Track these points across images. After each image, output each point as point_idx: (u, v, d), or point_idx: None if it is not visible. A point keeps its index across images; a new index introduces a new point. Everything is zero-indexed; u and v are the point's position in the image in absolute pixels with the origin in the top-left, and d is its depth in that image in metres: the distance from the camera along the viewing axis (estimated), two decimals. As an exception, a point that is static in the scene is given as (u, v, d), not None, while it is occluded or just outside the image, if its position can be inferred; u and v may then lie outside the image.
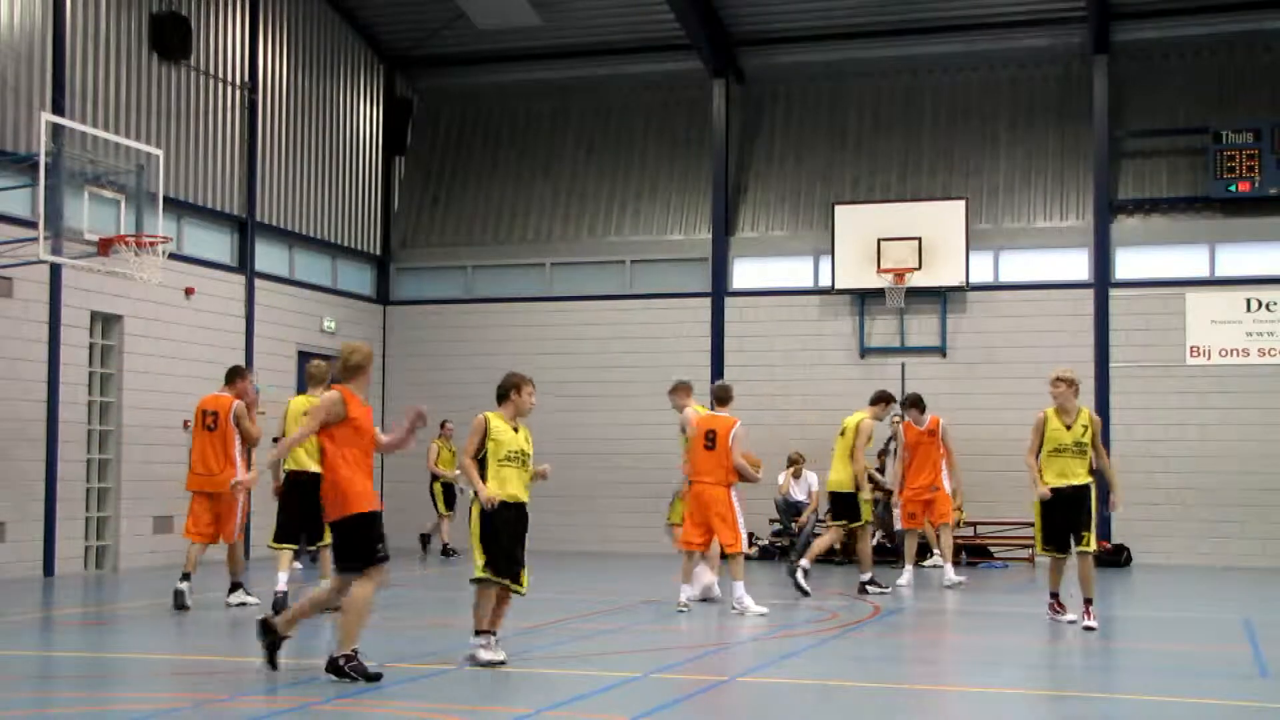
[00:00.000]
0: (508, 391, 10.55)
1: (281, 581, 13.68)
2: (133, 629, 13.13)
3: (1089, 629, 12.66)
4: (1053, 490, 12.83)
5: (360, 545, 9.60)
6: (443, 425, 21.75)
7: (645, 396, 22.34)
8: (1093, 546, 12.86)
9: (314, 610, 9.95)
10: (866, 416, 16.27)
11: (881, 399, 16.75)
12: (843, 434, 16.35)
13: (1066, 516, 12.86)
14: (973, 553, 21.36)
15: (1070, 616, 13.05)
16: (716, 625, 13.19)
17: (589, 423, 23.46)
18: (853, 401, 22.47)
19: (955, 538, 21.37)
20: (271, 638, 9.76)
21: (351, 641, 9.49)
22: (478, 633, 10.26)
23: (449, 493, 21.81)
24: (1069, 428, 12.83)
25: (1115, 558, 20.93)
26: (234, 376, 14.60)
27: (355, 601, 9.53)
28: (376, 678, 9.42)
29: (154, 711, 8.59)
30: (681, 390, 15.41)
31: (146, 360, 19.42)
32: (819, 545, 16.43)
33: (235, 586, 14.29)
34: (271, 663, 9.76)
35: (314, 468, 13.65)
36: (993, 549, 21.52)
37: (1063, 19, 23.00)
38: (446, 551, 21.73)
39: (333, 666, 9.51)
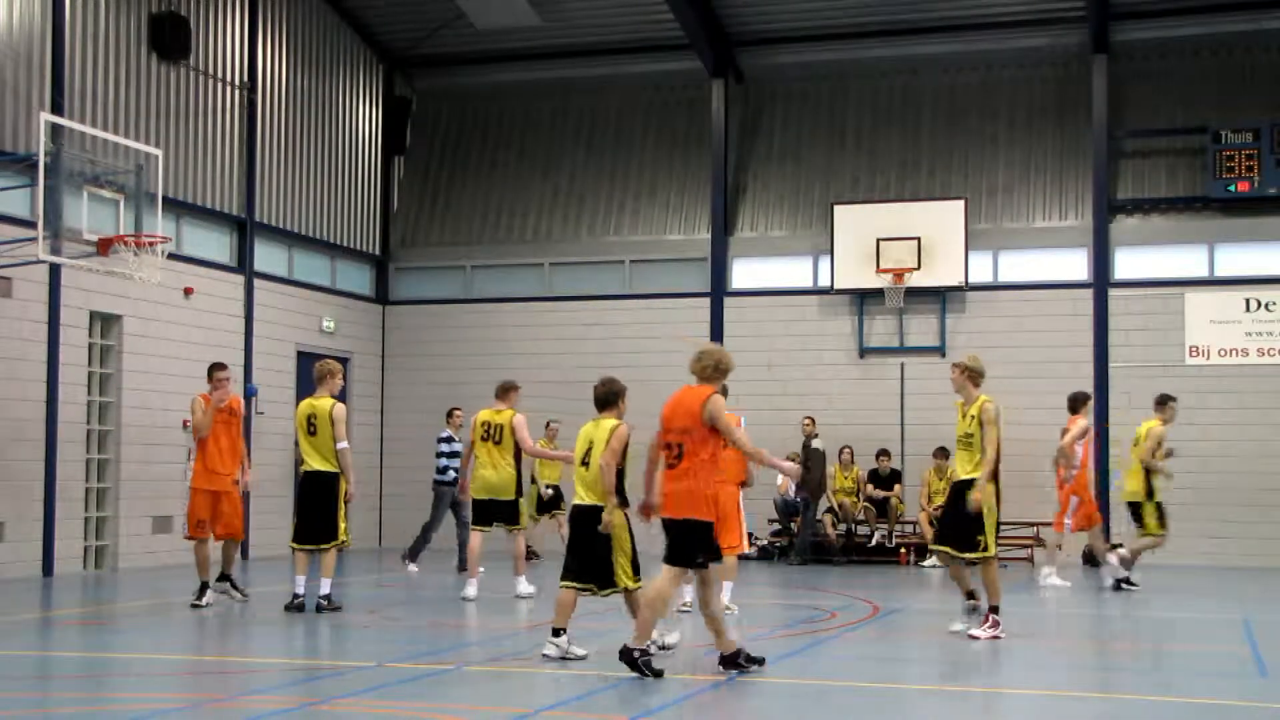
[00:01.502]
0: (618, 398, 10.63)
1: (299, 584, 13.69)
2: (132, 629, 13.11)
3: (971, 636, 11.82)
4: (950, 485, 12.29)
5: (697, 547, 9.79)
6: (547, 426, 20.87)
7: (644, 397, 22.27)
8: (986, 552, 11.69)
9: (663, 608, 9.95)
10: (1157, 423, 16.57)
11: (1167, 400, 16.98)
12: (1136, 444, 16.72)
13: (950, 515, 12.09)
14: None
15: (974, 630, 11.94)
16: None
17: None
18: (852, 401, 22.60)
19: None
20: (644, 655, 9.69)
21: (648, 635, 9.76)
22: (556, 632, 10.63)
23: (557, 495, 20.62)
24: (963, 418, 12.09)
25: (1115, 558, 20.92)
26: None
27: (657, 597, 9.74)
28: (659, 674, 9.67)
29: (154, 711, 8.58)
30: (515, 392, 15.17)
31: (145, 360, 19.41)
32: (1139, 548, 16.79)
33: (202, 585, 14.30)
34: (655, 672, 9.68)
35: (324, 467, 13.68)
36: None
37: (1062, 19, 23.00)
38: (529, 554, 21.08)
39: (626, 657, 9.67)
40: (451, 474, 18.49)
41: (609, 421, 10.47)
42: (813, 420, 21.26)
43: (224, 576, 14.62)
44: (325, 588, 13.68)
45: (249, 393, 21.13)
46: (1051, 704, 9.46)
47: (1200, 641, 12.74)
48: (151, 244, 16.80)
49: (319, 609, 13.59)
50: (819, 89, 24.46)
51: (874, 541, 21.50)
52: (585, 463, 10.46)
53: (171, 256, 18.21)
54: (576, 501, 10.57)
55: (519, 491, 14.96)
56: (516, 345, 23.93)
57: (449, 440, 18.94)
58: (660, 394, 23.53)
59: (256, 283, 21.74)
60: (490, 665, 10.60)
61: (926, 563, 20.51)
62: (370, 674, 9.99)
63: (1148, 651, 12.26)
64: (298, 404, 14.50)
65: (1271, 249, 21.72)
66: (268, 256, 22.32)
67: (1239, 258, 21.90)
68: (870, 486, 21.76)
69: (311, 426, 13.73)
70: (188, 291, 20.15)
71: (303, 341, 22.71)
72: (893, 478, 21.88)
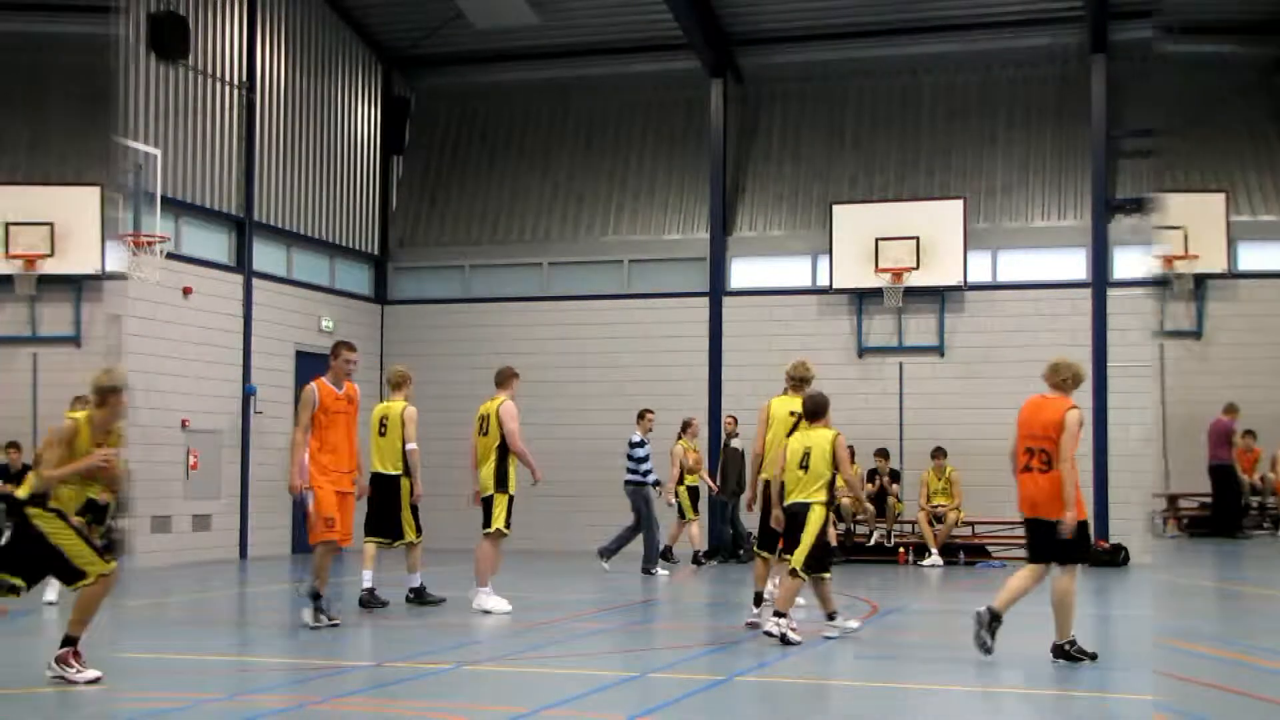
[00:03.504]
0: (825, 409, 11.82)
1: (366, 579, 13.82)
2: (133, 629, 13.10)
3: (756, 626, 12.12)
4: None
5: (1080, 544, 10.66)
6: (689, 425, 20.19)
7: (643, 396, 22.31)
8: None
9: (1023, 594, 10.58)
10: None
11: None
12: None
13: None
14: (971, 552, 21.36)
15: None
16: (716, 625, 13.19)
17: (587, 422, 23.46)
18: (850, 401, 22.56)
19: (953, 537, 21.43)
20: (996, 624, 10.45)
21: (1068, 629, 10.52)
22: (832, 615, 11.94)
23: (695, 496, 20.20)
24: None
25: (1113, 557, 20.94)
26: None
27: (1064, 594, 10.50)
28: (1094, 656, 10.54)
29: (154, 711, 8.58)
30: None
31: (145, 360, 19.38)
32: None
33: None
34: (1090, 655, 10.54)
35: (384, 469, 13.96)
36: (991, 549, 21.51)
37: (1061, 19, 23.01)
38: (698, 559, 20.20)
39: (1059, 653, 10.52)
40: (637, 476, 18.60)
41: (826, 430, 11.68)
42: (734, 419, 21.03)
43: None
44: (415, 582, 14.11)
45: (247, 392, 21.14)
46: (1052, 704, 9.46)
47: (1200, 641, 12.72)
48: (150, 243, 16.82)
49: (408, 599, 14.03)
50: (818, 89, 24.46)
51: (873, 541, 21.50)
52: (804, 466, 11.55)
53: (170, 256, 18.23)
54: (794, 500, 11.60)
55: (499, 487, 13.76)
56: (515, 345, 23.90)
57: (640, 445, 18.78)
58: (659, 394, 23.51)
59: (255, 282, 21.73)
60: (490, 665, 10.60)
61: (925, 562, 20.52)
62: (370, 674, 9.99)
63: (1147, 651, 12.25)
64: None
65: (1270, 249, 21.76)
66: (266, 256, 22.31)
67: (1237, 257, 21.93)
68: (869, 485, 21.73)
69: (383, 428, 14.04)
70: (186, 291, 20.14)
71: (301, 341, 22.71)
72: (891, 478, 21.88)
